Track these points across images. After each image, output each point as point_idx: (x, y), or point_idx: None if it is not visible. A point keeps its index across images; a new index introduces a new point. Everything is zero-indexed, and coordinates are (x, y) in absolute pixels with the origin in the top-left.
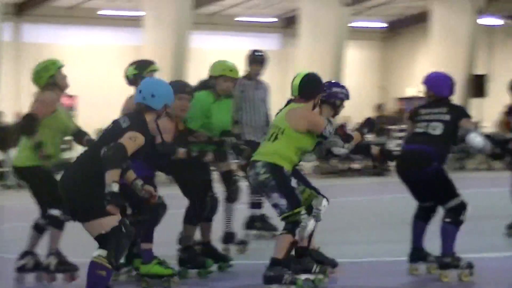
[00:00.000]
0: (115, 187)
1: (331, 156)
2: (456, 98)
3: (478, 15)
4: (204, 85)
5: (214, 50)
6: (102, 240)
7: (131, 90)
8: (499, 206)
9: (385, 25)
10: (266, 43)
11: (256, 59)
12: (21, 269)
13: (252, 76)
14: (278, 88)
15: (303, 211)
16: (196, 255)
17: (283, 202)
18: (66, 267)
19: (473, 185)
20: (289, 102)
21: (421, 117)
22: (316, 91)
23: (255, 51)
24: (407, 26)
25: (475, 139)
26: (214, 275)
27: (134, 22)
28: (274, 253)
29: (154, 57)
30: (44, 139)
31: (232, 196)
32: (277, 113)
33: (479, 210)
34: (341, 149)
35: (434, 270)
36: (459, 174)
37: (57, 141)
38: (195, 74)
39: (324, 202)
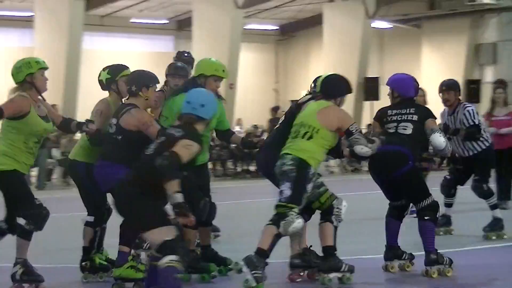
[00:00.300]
0: (180, 198)
1: (352, 157)
2: (349, 101)
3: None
4: (193, 84)
5: (107, 52)
6: (167, 246)
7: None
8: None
9: (277, 27)
10: (160, 45)
11: (184, 60)
12: None
13: (171, 87)
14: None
15: (296, 210)
16: (198, 259)
17: (287, 193)
18: (31, 277)
19: (368, 187)
20: (310, 98)
21: (390, 118)
22: (336, 92)
23: (182, 52)
24: (300, 29)
25: (439, 139)
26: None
27: (26, 23)
28: (259, 243)
29: (46, 59)
30: (16, 144)
31: None
32: (296, 106)
33: (377, 211)
34: (364, 148)
35: (409, 268)
36: (353, 176)
37: (30, 145)
38: (88, 76)
39: (344, 202)
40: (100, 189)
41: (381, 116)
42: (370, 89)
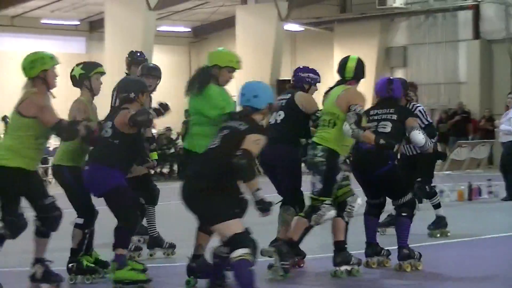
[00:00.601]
0: (262, 195)
1: None
2: None
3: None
4: (207, 74)
5: (18, 53)
6: (237, 239)
7: None
8: None
9: (189, 30)
10: (72, 47)
11: (137, 61)
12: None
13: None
14: None
15: (328, 202)
16: (207, 264)
17: (319, 186)
18: (51, 278)
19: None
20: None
21: (372, 117)
22: (364, 73)
23: (135, 52)
24: (213, 31)
25: (418, 136)
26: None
27: None
28: (290, 233)
29: None
30: (25, 140)
31: (154, 198)
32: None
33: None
34: (347, 126)
35: (387, 263)
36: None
37: (40, 141)
38: None
39: (359, 200)
40: (90, 192)
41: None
42: (282, 91)
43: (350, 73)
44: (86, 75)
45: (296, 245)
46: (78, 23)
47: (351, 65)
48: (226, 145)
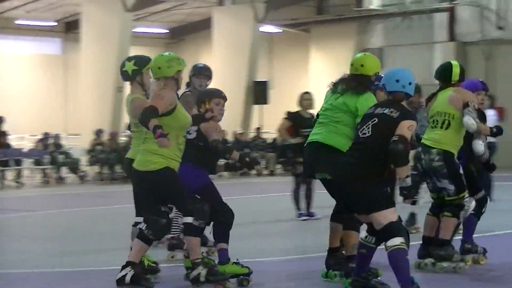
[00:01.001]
0: (410, 182)
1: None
2: (238, 105)
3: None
4: (370, 83)
5: None
6: (393, 227)
7: None
8: (281, 210)
9: (166, 31)
10: (47, 48)
11: (201, 72)
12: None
13: (195, 88)
14: (59, 93)
15: (466, 195)
16: (344, 261)
17: (451, 187)
18: (218, 277)
19: (256, 191)
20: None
21: None
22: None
23: (199, 64)
24: (190, 32)
25: (480, 147)
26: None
27: None
28: (441, 234)
29: None
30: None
31: None
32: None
33: (262, 214)
34: (467, 116)
35: (482, 261)
36: (242, 180)
37: (180, 141)
38: None
39: (473, 203)
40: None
41: None
42: (259, 93)
43: (456, 76)
44: (139, 71)
45: (449, 243)
46: (54, 24)
47: (456, 70)
48: (379, 133)
